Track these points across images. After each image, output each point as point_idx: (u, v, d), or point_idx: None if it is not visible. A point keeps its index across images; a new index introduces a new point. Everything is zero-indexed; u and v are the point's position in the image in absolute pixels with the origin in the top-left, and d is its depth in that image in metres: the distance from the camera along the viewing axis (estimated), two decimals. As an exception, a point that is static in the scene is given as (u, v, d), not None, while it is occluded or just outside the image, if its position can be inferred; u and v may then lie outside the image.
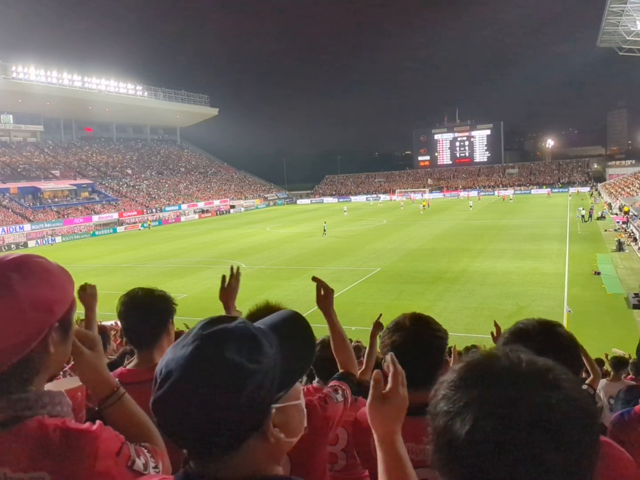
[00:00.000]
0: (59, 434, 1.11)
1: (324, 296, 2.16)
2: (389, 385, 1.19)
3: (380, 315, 2.87)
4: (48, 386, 1.25)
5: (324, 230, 38.96)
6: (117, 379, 1.42)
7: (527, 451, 0.64)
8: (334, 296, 2.20)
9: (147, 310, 2.09)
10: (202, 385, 0.85)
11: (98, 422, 1.18)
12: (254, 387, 0.87)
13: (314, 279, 2.18)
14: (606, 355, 8.09)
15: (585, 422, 0.68)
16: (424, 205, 56.96)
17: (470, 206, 54.95)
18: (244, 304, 2.24)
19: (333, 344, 2.17)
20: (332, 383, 2.04)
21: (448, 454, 0.69)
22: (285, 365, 0.93)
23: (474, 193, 74.95)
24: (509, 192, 71.83)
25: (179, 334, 2.96)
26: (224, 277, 2.36)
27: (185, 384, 0.86)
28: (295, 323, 1.03)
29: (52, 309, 1.13)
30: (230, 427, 0.87)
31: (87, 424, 1.17)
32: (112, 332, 7.40)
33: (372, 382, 1.19)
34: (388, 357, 1.22)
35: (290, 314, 1.06)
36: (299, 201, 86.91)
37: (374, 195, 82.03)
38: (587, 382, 3.85)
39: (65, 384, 1.50)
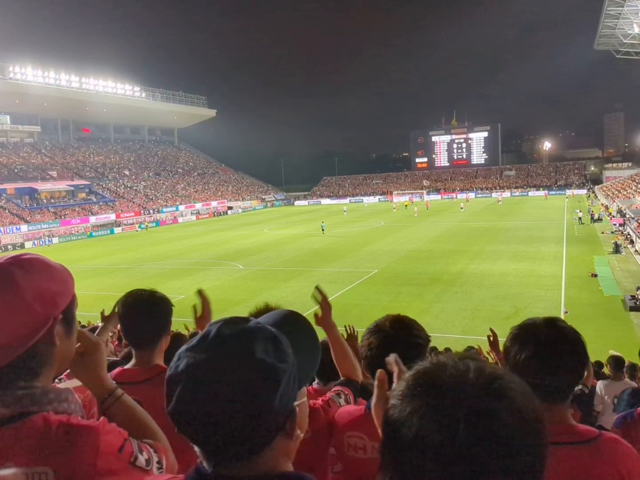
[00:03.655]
0: (62, 430, 1.12)
1: (323, 316, 2.13)
2: (393, 386, 1.16)
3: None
4: (60, 386, 1.26)
5: (322, 229, 39.69)
6: (114, 382, 1.42)
7: (467, 459, 0.64)
8: (333, 297, 2.19)
9: (149, 312, 2.09)
10: (238, 388, 0.82)
11: (102, 418, 1.20)
12: (285, 387, 0.85)
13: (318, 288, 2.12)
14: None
15: (527, 432, 0.67)
16: (406, 206, 57.20)
17: (462, 207, 55.12)
18: (242, 306, 2.24)
19: (334, 355, 2.15)
20: (335, 388, 2.04)
21: (394, 460, 0.70)
22: (299, 364, 0.92)
23: (471, 195, 75.03)
24: (506, 194, 71.88)
25: (175, 336, 2.96)
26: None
27: (217, 388, 0.82)
28: (296, 321, 1.03)
29: (55, 300, 1.17)
30: (263, 429, 0.84)
31: (91, 420, 1.18)
32: (110, 334, 7.40)
33: (375, 382, 1.16)
34: (391, 357, 1.17)
35: (288, 312, 1.06)
36: (296, 202, 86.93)
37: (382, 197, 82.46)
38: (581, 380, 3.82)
39: (76, 381, 1.51)
